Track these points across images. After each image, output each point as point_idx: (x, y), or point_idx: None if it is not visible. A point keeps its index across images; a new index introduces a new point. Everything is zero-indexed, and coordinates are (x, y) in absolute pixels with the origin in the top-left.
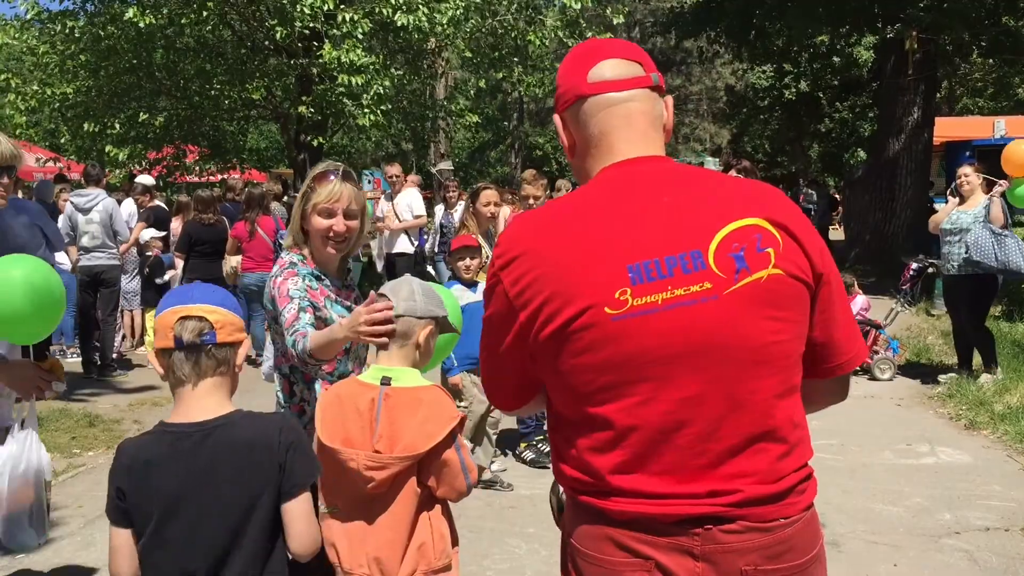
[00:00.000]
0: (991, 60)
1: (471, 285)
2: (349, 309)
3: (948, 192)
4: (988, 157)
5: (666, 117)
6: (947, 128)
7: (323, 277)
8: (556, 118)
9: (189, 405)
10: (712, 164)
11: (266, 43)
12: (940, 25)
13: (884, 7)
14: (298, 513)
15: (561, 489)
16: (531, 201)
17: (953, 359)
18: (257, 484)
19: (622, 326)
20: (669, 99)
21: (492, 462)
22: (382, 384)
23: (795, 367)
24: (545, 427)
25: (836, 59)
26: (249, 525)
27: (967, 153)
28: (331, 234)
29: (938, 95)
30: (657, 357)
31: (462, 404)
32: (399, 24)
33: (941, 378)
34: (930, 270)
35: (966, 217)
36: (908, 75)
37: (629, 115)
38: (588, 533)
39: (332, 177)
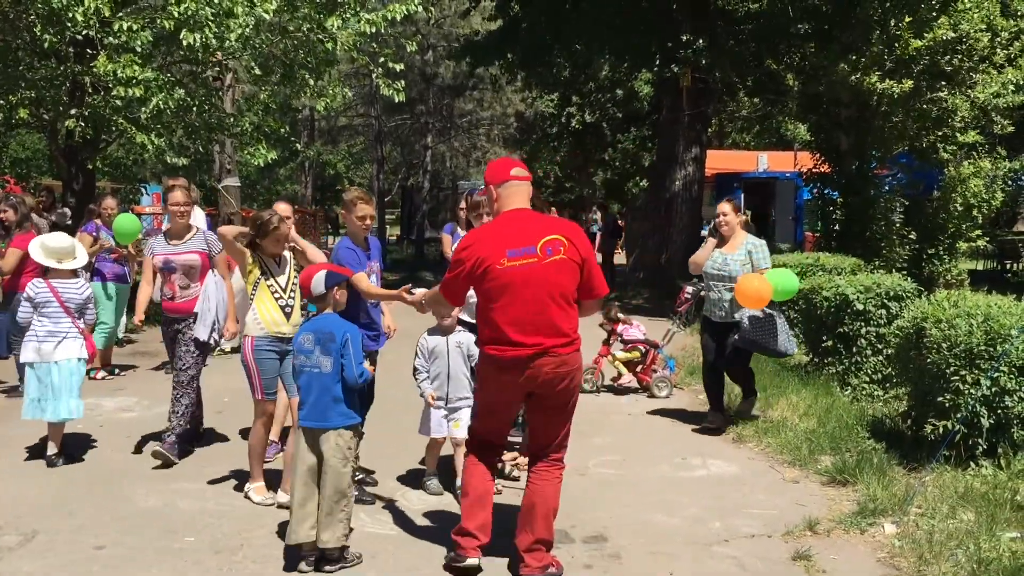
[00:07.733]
0: (756, 99)
1: None
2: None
3: (708, 232)
4: (754, 189)
5: (531, 194)
6: (717, 161)
7: None
8: (490, 187)
9: None
10: None
11: (34, 48)
12: (712, 65)
13: (662, 49)
14: None
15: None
16: (369, 221)
17: None
18: None
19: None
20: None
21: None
22: None
23: (572, 296)
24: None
25: (619, 92)
26: None
27: (735, 184)
28: None
29: (709, 130)
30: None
31: None
32: (186, 44)
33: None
34: (703, 294)
35: (733, 264)
36: (683, 110)
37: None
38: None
39: None
